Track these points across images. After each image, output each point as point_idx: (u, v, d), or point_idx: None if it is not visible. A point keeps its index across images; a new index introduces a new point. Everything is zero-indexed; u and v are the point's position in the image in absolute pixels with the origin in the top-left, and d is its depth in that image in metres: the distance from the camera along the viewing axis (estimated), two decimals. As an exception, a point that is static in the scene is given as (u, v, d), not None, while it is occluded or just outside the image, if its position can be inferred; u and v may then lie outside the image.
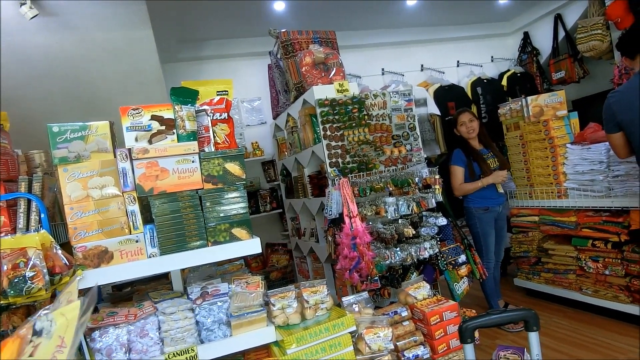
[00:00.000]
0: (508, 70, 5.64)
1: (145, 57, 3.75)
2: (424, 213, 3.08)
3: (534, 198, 3.76)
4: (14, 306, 1.61)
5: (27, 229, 1.64)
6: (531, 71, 5.70)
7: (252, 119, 5.04)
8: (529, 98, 3.76)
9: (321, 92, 3.00)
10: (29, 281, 1.38)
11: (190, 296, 1.85)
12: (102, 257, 1.65)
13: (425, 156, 3.32)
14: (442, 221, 3.04)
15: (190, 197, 1.75)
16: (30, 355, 0.50)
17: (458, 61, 5.77)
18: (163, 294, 1.94)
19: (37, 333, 0.52)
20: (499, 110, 4.10)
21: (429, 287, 2.05)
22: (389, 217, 2.88)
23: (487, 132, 3.78)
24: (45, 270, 1.43)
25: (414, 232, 2.91)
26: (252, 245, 1.79)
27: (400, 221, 2.97)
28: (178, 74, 4.77)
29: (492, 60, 5.91)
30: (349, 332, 1.74)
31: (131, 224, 1.69)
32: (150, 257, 1.70)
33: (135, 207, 1.69)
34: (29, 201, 1.68)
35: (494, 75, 5.66)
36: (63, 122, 1.64)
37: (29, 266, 1.39)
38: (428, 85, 5.26)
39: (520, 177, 3.92)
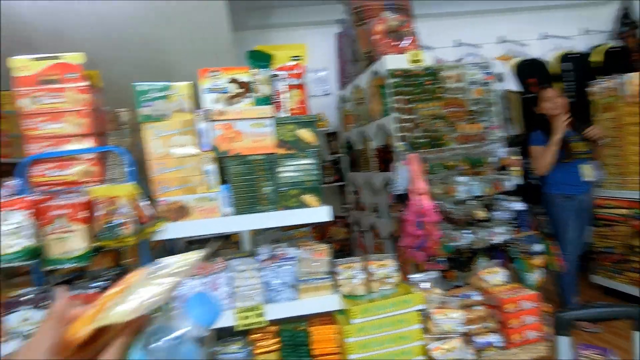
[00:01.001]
0: (602, 44, 5.04)
1: (217, 24, 3.81)
2: (499, 196, 2.90)
3: (625, 189, 3.40)
4: (104, 249, 1.74)
5: (117, 180, 1.74)
6: (630, 46, 5.06)
7: (317, 89, 4.99)
8: (628, 75, 3.35)
9: (393, 62, 2.87)
10: (119, 227, 1.48)
11: (259, 257, 1.89)
12: (181, 211, 1.72)
13: (503, 134, 3.09)
14: (519, 206, 2.85)
15: (263, 160, 1.76)
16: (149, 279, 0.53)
17: (542, 33, 5.25)
18: (233, 252, 2.00)
19: (159, 268, 0.55)
20: (589, 89, 3.71)
21: (504, 273, 1.93)
22: (460, 197, 2.75)
23: (574, 113, 3.44)
24: (133, 219, 1.52)
25: (485, 215, 2.76)
26: (321, 213, 1.78)
27: (471, 202, 2.82)
28: (246, 42, 4.79)
29: (583, 33, 5.30)
30: (417, 310, 1.69)
31: (208, 182, 1.74)
32: (224, 215, 1.75)
33: (212, 167, 1.73)
34: (118, 154, 1.79)
35: (584, 50, 5.10)
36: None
37: (120, 214, 1.48)
38: (507, 59, 4.87)
39: (611, 164, 3.55)
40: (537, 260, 2.98)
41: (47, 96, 1.70)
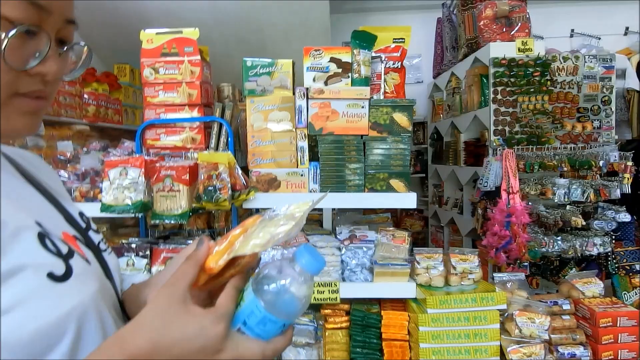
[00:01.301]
0: None
1: (315, 7, 3.87)
2: (601, 204, 2.63)
3: None
4: (201, 211, 1.90)
5: (217, 149, 1.89)
6: None
7: (409, 76, 4.86)
8: None
9: (499, 49, 2.70)
10: (218, 191, 1.61)
11: (338, 236, 1.94)
12: (271, 183, 1.82)
13: (616, 137, 2.78)
14: (625, 217, 2.56)
15: (355, 141, 1.78)
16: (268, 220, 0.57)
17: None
18: (314, 229, 2.07)
19: (274, 212, 0.60)
20: None
21: (602, 285, 1.77)
22: (556, 201, 2.54)
23: None
24: (229, 185, 1.64)
25: (583, 223, 2.52)
26: (407, 199, 1.77)
27: (568, 207, 2.59)
28: (342, 25, 4.82)
29: None
30: (498, 310, 1.62)
31: (299, 158, 1.81)
32: (310, 192, 1.81)
33: (305, 144, 1.80)
34: (220, 125, 1.93)
35: None
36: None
37: (219, 179, 1.61)
38: (631, 53, 4.31)
39: None
40: (638, 279, 2.67)
41: (166, 67, 1.88)
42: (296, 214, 0.56)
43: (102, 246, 0.66)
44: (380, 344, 1.82)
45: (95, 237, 0.66)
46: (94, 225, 0.69)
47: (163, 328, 0.48)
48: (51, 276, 0.49)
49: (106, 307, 0.57)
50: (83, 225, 0.65)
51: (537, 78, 2.62)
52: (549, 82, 2.64)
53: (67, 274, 0.51)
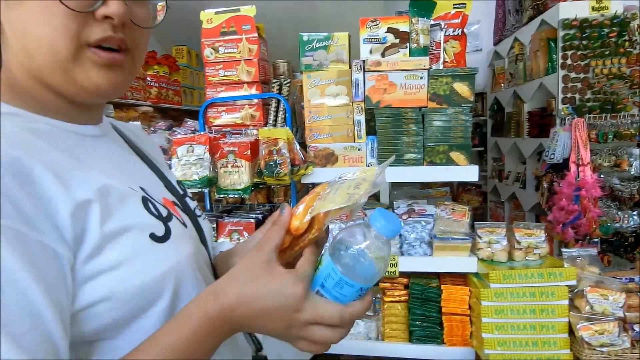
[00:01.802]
0: None
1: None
2: (685, 175, 2.40)
3: None
4: (261, 186, 1.97)
5: (275, 125, 1.93)
6: None
7: (467, 45, 4.61)
8: None
9: (570, 9, 2.48)
10: (278, 166, 1.65)
11: (396, 210, 1.93)
12: (329, 158, 1.84)
13: None
14: None
15: (414, 114, 1.75)
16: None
17: None
18: (372, 204, 2.08)
19: (340, 178, 0.60)
20: None
21: (686, 262, 1.64)
22: (632, 173, 2.35)
23: None
24: (289, 160, 1.68)
25: (664, 196, 2.32)
26: (468, 172, 1.72)
27: (647, 180, 2.39)
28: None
29: None
30: (567, 285, 1.56)
31: (356, 132, 1.81)
32: (369, 165, 1.81)
33: (362, 118, 1.79)
34: (278, 101, 1.96)
35: None
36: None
37: (279, 154, 1.65)
38: None
39: None
40: None
41: (225, 46, 1.93)
42: (367, 177, 0.56)
43: (198, 212, 0.71)
44: (440, 318, 1.83)
45: (192, 204, 0.71)
46: (189, 193, 0.74)
47: (248, 283, 0.51)
48: (153, 237, 0.53)
49: (200, 269, 0.61)
50: (181, 192, 0.70)
51: (613, 39, 2.39)
52: (627, 43, 2.40)
53: (167, 236, 0.55)
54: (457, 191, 4.93)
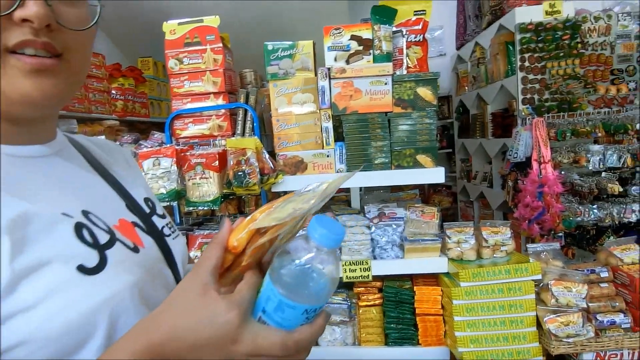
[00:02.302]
0: None
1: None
2: (639, 169, 2.53)
3: None
4: (231, 197, 1.96)
5: (243, 135, 1.92)
6: None
7: (431, 50, 4.71)
8: None
9: (525, 14, 2.59)
10: (247, 176, 1.65)
11: (367, 215, 1.95)
12: (298, 166, 1.84)
13: (654, 99, 2.65)
14: (665, 181, 2.46)
15: (380, 119, 1.78)
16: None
17: None
18: (342, 209, 2.09)
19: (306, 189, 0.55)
20: None
21: (641, 251, 1.73)
22: (590, 168, 2.46)
23: None
24: (258, 169, 1.67)
25: (620, 190, 2.44)
26: (435, 174, 1.76)
27: (604, 174, 2.51)
28: (361, 2, 4.72)
29: None
30: (533, 280, 1.61)
31: (324, 139, 1.82)
32: (337, 172, 1.83)
33: (329, 124, 1.80)
34: (245, 111, 1.96)
35: None
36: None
37: (248, 164, 1.65)
38: (669, 9, 4.05)
39: None
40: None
41: (189, 57, 1.92)
42: (327, 189, 0.51)
43: (167, 231, 0.66)
44: (414, 319, 1.85)
45: (160, 222, 0.66)
46: (160, 210, 0.69)
47: (181, 313, 0.46)
48: (82, 268, 0.48)
49: (149, 297, 0.56)
50: (147, 210, 0.65)
51: (566, 42, 2.51)
52: (579, 45, 2.52)
53: (101, 265, 0.50)
54: (428, 193, 5.03)
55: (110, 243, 0.53)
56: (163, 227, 0.66)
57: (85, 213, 0.54)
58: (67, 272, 0.47)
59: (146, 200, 0.67)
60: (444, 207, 4.85)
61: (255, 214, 0.51)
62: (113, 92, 3.41)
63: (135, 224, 0.61)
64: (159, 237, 0.63)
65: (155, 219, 0.65)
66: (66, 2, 0.50)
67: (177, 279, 0.64)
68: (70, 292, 0.46)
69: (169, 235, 0.66)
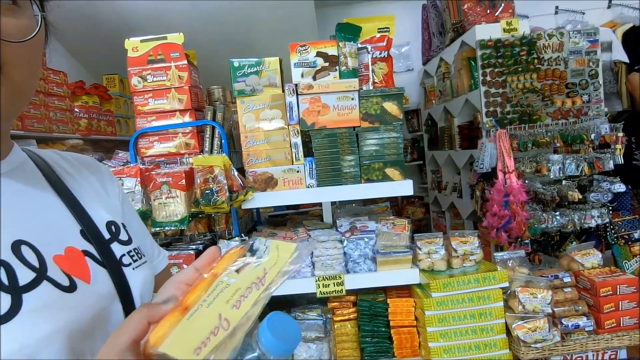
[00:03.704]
0: None
1: (300, 2, 3.86)
2: (596, 176, 2.65)
3: None
4: (200, 215, 1.92)
5: (211, 152, 1.90)
6: None
7: (399, 65, 4.87)
8: None
9: (484, 31, 2.70)
10: (215, 194, 1.62)
11: (339, 229, 1.95)
12: (268, 182, 1.83)
13: (606, 110, 2.80)
14: (619, 187, 2.59)
15: (348, 134, 1.79)
16: (237, 271, 0.46)
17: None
18: (315, 224, 2.09)
19: (251, 251, 0.49)
20: None
21: (600, 255, 1.79)
22: (552, 177, 2.56)
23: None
24: (226, 187, 1.65)
25: (580, 197, 2.55)
26: (403, 187, 1.78)
27: (564, 182, 2.61)
28: (329, 18, 4.82)
29: None
30: (501, 288, 1.65)
31: (294, 155, 1.82)
32: (308, 187, 1.83)
33: (298, 140, 1.81)
34: (212, 128, 1.94)
35: None
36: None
37: (216, 181, 1.62)
38: (616, 25, 4.31)
39: None
40: (638, 247, 2.71)
41: (153, 74, 1.89)
42: (279, 267, 0.45)
43: (126, 260, 0.61)
44: (389, 332, 1.85)
45: (120, 250, 0.61)
46: (124, 236, 0.64)
47: None
48: None
49: (92, 339, 0.51)
50: (107, 236, 0.60)
51: (524, 57, 2.63)
52: (536, 61, 2.65)
53: (12, 312, 0.45)
54: (401, 204, 5.10)
55: (33, 284, 0.48)
56: (123, 255, 0.61)
57: (18, 244, 0.48)
58: None
59: (109, 224, 0.62)
60: (417, 217, 4.93)
61: (185, 301, 0.44)
62: (76, 110, 3.31)
63: (86, 253, 0.56)
64: (115, 268, 0.58)
65: (114, 246, 0.61)
66: (4, 12, 0.47)
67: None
68: None
69: (129, 264, 0.61)
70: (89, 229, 0.59)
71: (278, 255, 0.47)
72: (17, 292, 0.46)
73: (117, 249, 0.61)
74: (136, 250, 0.64)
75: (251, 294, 0.43)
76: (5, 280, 0.46)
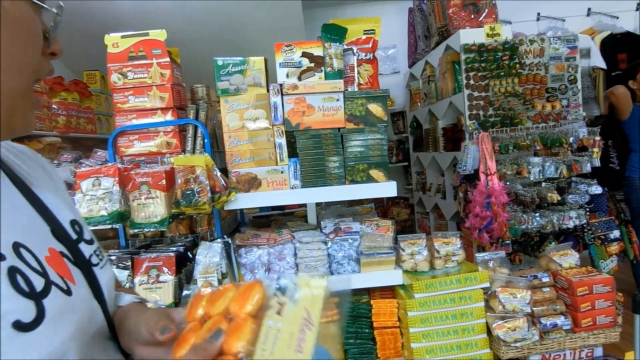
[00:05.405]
0: None
1: (287, 2, 3.85)
2: (574, 179, 2.71)
3: None
4: (182, 217, 1.89)
5: (193, 152, 1.87)
6: None
7: (386, 67, 4.90)
8: None
9: (468, 36, 2.74)
10: (197, 195, 1.59)
11: (324, 230, 1.95)
12: (252, 183, 1.81)
13: (584, 114, 2.87)
14: (596, 189, 2.65)
15: (333, 135, 1.79)
16: (278, 313, 0.46)
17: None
18: (299, 225, 2.08)
19: (280, 289, 0.49)
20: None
21: (577, 256, 1.83)
22: (532, 179, 2.61)
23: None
24: (208, 188, 1.63)
25: (559, 198, 2.60)
26: (387, 188, 1.79)
27: (544, 184, 2.66)
28: (316, 19, 4.81)
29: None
30: (481, 288, 1.66)
31: (278, 155, 1.81)
32: (292, 188, 1.81)
33: (283, 140, 1.79)
34: (195, 127, 1.91)
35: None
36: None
37: (197, 182, 1.60)
38: (594, 32, 4.43)
39: None
40: (613, 248, 2.78)
41: (134, 71, 1.85)
42: (305, 294, 0.46)
43: (94, 260, 0.59)
44: (372, 333, 1.85)
45: (87, 250, 0.59)
46: (87, 235, 0.61)
47: None
48: (17, 325, 0.42)
49: (92, 342, 0.52)
50: (74, 236, 0.58)
51: (506, 62, 2.67)
52: (517, 65, 2.69)
53: (39, 319, 0.44)
54: (387, 205, 5.12)
55: (46, 290, 0.47)
56: (91, 255, 0.59)
57: (16, 247, 0.46)
58: (3, 332, 0.41)
59: (72, 223, 0.59)
60: (402, 218, 4.95)
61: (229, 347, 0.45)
62: (54, 106, 3.22)
63: (62, 254, 0.54)
64: (87, 269, 0.56)
65: (82, 246, 0.58)
66: None
67: (106, 314, 0.58)
68: (4, 354, 0.41)
69: (97, 264, 0.59)
70: (57, 229, 0.55)
71: (312, 293, 0.49)
72: (37, 298, 0.45)
73: (85, 249, 0.59)
74: (100, 250, 0.62)
75: (307, 336, 0.46)
76: (25, 287, 0.44)
